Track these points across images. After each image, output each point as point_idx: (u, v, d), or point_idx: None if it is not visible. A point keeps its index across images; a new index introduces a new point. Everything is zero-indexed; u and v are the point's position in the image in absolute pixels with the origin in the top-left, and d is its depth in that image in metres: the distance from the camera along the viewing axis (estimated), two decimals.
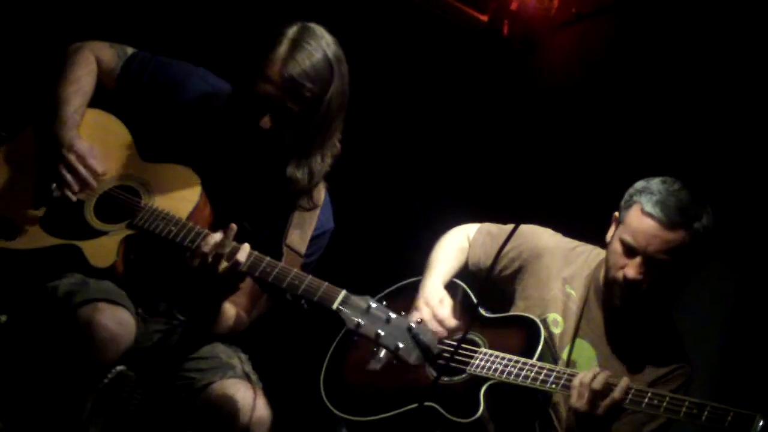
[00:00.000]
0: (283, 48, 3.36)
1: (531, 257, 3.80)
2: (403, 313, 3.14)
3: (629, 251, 3.55)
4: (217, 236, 3.27)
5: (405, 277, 3.96)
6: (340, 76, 3.42)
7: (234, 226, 3.28)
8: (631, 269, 3.54)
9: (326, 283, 3.22)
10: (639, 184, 3.60)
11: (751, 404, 3.17)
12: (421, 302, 3.70)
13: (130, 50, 3.66)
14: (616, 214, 3.66)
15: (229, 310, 3.46)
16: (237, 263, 3.25)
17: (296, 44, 3.37)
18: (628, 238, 3.54)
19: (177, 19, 4.62)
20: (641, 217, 3.52)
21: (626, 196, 3.62)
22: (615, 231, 3.63)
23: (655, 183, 3.56)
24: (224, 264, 3.25)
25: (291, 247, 3.50)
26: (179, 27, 4.58)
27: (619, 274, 3.57)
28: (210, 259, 3.25)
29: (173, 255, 3.35)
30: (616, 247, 3.59)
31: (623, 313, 3.65)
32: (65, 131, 3.47)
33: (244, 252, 3.26)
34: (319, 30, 3.43)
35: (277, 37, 3.37)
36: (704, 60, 4.59)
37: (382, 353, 3.22)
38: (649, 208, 3.51)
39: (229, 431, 3.26)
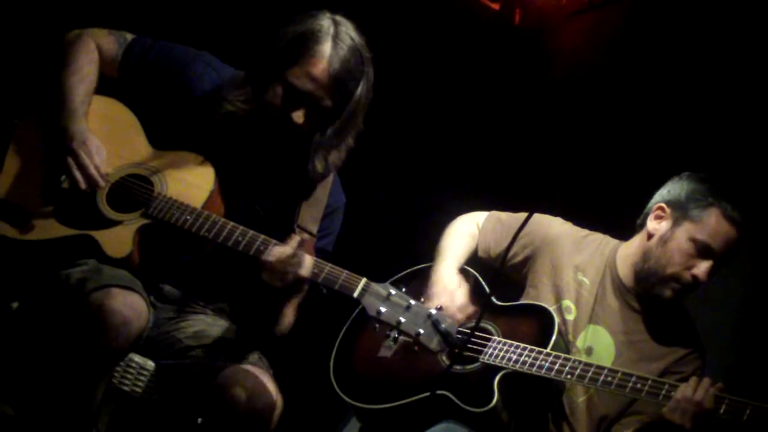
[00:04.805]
0: (327, 46, 3.36)
1: (542, 245, 3.80)
2: (422, 300, 3.16)
3: (704, 252, 3.54)
4: (288, 249, 3.28)
5: (411, 261, 3.95)
6: (369, 74, 3.45)
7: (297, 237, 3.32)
8: (702, 271, 3.54)
9: (346, 272, 3.25)
10: (702, 186, 3.58)
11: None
12: (439, 288, 3.70)
13: (129, 36, 3.61)
14: (665, 206, 3.65)
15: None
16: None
17: (337, 42, 3.37)
18: (708, 240, 3.53)
19: (177, 4, 4.59)
20: (723, 221, 3.53)
21: (694, 194, 3.59)
22: (674, 227, 3.60)
23: (720, 186, 3.56)
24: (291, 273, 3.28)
25: (303, 228, 3.51)
26: (179, 12, 4.56)
27: (686, 274, 3.56)
28: (289, 275, 3.29)
29: (188, 243, 3.36)
30: (685, 246, 3.56)
31: (662, 304, 3.64)
32: (75, 124, 3.43)
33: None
34: (349, 24, 3.43)
35: (317, 33, 3.36)
36: (716, 49, 4.59)
37: (393, 341, 3.22)
38: (733, 213, 3.51)
39: (241, 417, 3.24)
